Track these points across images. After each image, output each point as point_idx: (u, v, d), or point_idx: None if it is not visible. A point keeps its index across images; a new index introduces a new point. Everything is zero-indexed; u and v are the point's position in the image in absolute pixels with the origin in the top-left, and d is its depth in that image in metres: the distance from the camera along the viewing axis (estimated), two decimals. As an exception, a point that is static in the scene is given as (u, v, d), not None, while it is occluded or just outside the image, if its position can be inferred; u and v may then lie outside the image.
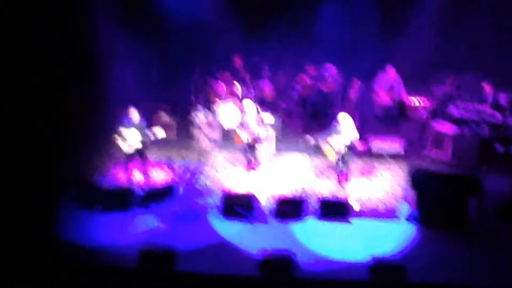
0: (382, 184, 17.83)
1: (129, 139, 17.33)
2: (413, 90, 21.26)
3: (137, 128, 17.34)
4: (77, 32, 20.89)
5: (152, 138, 17.48)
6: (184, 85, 21.54)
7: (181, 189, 17.67)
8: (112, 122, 18.39)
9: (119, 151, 17.71)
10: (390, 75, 20.24)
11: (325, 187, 17.70)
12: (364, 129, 19.66)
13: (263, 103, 20.76)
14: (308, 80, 20.52)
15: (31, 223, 15.86)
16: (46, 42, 21.88)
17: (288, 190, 17.65)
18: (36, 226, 15.86)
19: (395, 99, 20.23)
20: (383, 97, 20.30)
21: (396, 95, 20.19)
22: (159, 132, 17.50)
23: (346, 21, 21.67)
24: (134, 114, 17.39)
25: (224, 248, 15.40)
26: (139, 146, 17.44)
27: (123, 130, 17.33)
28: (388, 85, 20.29)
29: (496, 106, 19.11)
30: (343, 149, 16.87)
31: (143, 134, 17.36)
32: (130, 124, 17.36)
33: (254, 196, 16.68)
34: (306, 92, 20.50)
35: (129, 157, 17.66)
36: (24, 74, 18.64)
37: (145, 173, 18.02)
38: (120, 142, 17.43)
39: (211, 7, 21.93)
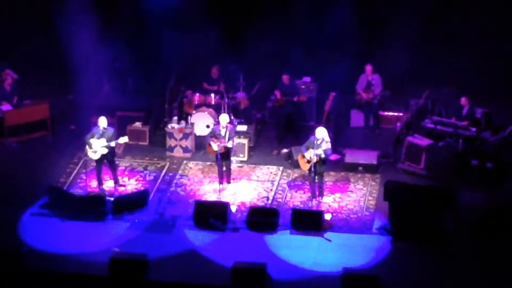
0: (355, 196, 17.75)
1: (95, 146, 17.21)
2: (389, 102, 21.32)
3: (105, 136, 17.28)
4: (54, 40, 20.85)
5: (114, 144, 17.42)
6: (158, 93, 21.46)
7: (152, 198, 17.54)
8: (85, 130, 18.29)
9: (90, 159, 17.60)
10: (366, 73, 20.44)
11: (298, 198, 17.63)
12: (338, 141, 19.69)
13: (237, 113, 20.71)
14: (281, 92, 20.48)
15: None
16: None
17: (261, 200, 17.57)
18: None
19: (374, 96, 20.38)
20: (362, 95, 20.46)
21: (374, 93, 20.37)
22: (123, 139, 17.56)
23: (324, 33, 21.62)
24: (103, 122, 17.37)
25: (195, 257, 15.28)
26: (105, 151, 17.31)
27: (90, 138, 17.26)
28: (365, 83, 20.48)
29: (472, 120, 19.13)
30: (315, 159, 16.75)
31: (109, 140, 17.27)
32: (98, 132, 17.31)
33: (226, 205, 16.56)
34: (279, 103, 20.45)
35: (99, 165, 17.58)
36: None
37: (116, 181, 17.90)
38: (87, 149, 17.37)
39: (188, 15, 21.80)
